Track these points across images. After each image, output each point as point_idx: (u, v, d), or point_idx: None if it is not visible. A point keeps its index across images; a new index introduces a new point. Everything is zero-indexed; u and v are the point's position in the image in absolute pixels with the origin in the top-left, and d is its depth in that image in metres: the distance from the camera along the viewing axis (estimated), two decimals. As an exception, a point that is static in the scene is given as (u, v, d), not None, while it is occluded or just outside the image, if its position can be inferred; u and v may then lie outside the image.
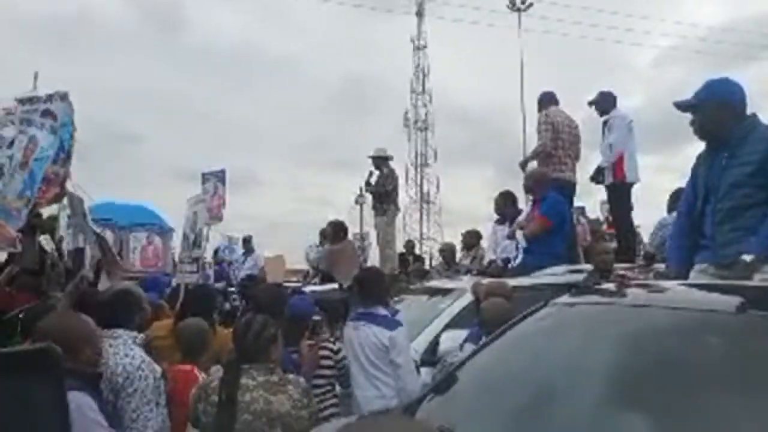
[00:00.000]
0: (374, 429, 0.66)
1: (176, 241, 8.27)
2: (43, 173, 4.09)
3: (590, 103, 5.77)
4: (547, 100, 5.87)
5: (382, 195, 7.26)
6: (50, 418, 0.55)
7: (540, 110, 5.85)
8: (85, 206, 5.13)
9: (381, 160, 7.33)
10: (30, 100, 4.29)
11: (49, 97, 4.25)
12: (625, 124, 5.59)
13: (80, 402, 1.92)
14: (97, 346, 2.21)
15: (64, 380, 0.59)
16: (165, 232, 8.00)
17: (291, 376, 2.51)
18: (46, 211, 4.85)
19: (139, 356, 2.47)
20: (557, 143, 5.59)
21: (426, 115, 35.52)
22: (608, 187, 5.69)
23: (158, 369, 2.57)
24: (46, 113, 4.18)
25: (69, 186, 4.38)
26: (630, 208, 5.73)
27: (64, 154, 4.25)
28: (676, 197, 4.29)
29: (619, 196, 5.63)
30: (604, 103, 5.69)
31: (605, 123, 5.66)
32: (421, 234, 32.81)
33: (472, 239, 6.66)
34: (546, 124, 5.60)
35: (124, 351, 2.46)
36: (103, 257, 4.31)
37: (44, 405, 0.55)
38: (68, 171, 4.34)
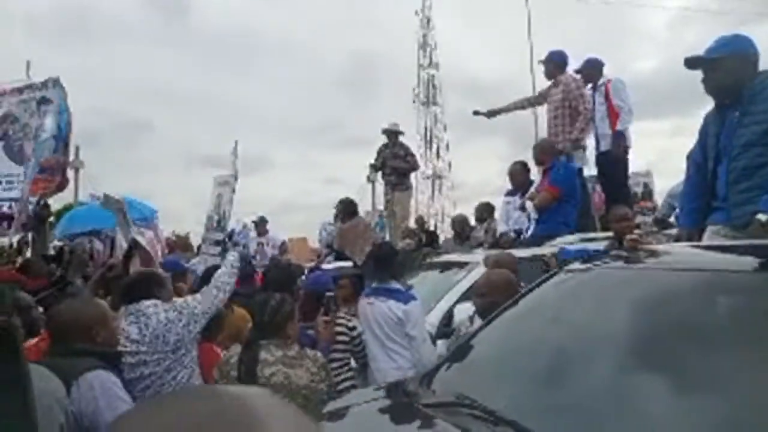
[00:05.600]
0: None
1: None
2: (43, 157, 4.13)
3: (578, 71, 5.63)
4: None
5: (403, 170, 7.30)
6: (10, 391, 0.52)
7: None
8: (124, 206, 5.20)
9: (394, 134, 7.34)
10: (27, 87, 4.30)
11: (44, 84, 4.26)
12: (625, 86, 5.47)
13: (104, 379, 1.98)
14: (111, 328, 2.27)
15: (23, 354, 0.57)
16: (151, 219, 7.87)
17: (308, 350, 2.56)
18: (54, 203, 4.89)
19: (170, 312, 2.60)
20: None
21: (434, 89, 35.15)
22: (605, 154, 5.48)
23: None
24: (43, 100, 4.20)
25: (81, 174, 4.43)
26: (627, 176, 5.63)
27: (62, 142, 4.26)
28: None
29: (618, 162, 5.50)
30: (592, 70, 5.55)
31: (595, 90, 5.51)
32: (437, 211, 32.74)
33: (484, 212, 6.65)
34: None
35: (165, 308, 2.60)
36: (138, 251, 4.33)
37: (3, 379, 0.52)
38: (68, 158, 4.38)
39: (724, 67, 2.59)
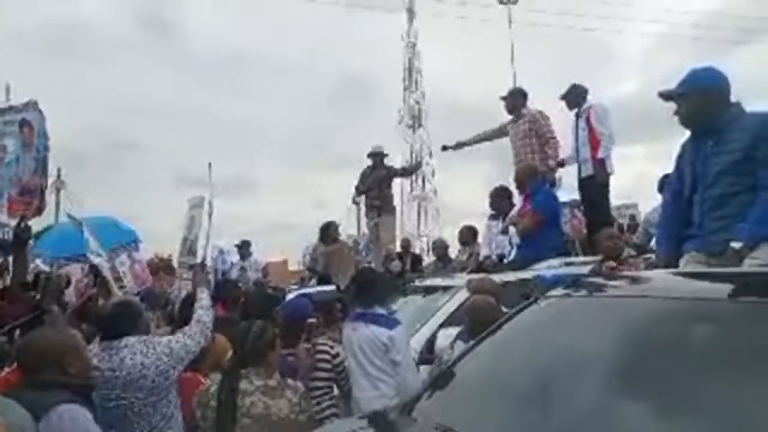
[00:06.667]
0: None
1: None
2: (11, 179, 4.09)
3: (562, 97, 5.77)
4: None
5: (389, 192, 7.33)
6: None
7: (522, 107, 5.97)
8: (84, 228, 5.12)
9: (379, 156, 7.37)
10: (6, 110, 4.27)
11: (24, 107, 4.24)
12: (608, 112, 5.59)
13: (75, 413, 1.93)
14: (83, 359, 2.22)
15: None
16: (139, 242, 7.70)
17: (289, 380, 2.53)
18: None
19: (147, 357, 2.52)
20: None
21: (420, 112, 35.50)
22: (587, 180, 5.55)
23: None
24: (24, 123, 4.18)
25: (63, 195, 4.39)
26: (609, 201, 5.71)
27: (41, 164, 4.24)
28: (665, 182, 4.26)
29: (602, 188, 5.57)
30: (576, 96, 5.68)
31: (578, 116, 5.63)
32: (423, 234, 32.78)
33: (468, 235, 6.66)
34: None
35: (140, 350, 2.51)
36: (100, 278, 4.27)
37: None
38: (46, 181, 4.36)
39: (696, 100, 2.66)
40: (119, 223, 7.33)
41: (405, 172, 8.19)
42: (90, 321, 3.25)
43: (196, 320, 2.83)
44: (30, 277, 4.56)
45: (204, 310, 2.91)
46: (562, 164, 5.74)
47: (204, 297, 3.02)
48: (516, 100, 5.98)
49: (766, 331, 1.41)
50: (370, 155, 7.42)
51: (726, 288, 1.82)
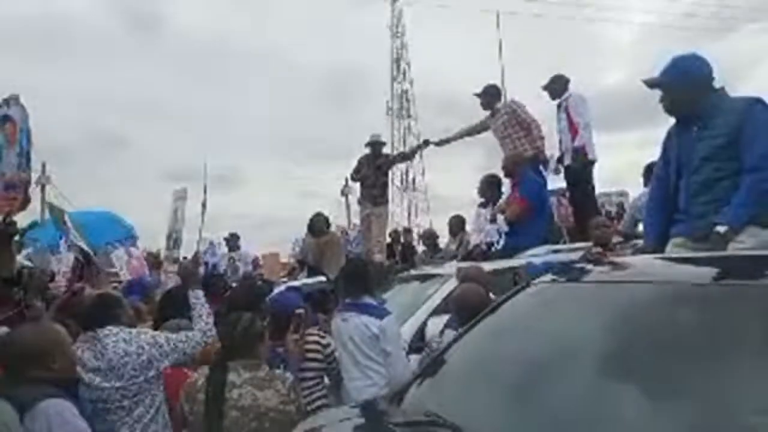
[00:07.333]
0: None
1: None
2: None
3: (544, 88, 5.83)
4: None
5: (385, 182, 7.30)
6: None
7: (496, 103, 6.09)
8: (66, 218, 5.07)
9: (378, 145, 7.28)
10: None
11: (6, 102, 4.19)
12: (585, 101, 5.66)
13: (60, 408, 1.92)
14: (68, 354, 2.20)
15: None
16: (136, 238, 7.46)
17: (277, 371, 2.53)
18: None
19: (131, 344, 2.51)
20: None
21: (408, 101, 35.48)
22: (570, 168, 5.63)
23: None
24: (6, 118, 4.13)
25: (48, 191, 4.35)
26: (593, 189, 5.77)
27: (24, 159, 4.21)
28: (649, 170, 4.30)
29: (584, 175, 5.63)
30: (556, 86, 5.75)
31: (559, 106, 5.70)
32: (409, 221, 32.85)
33: (457, 224, 6.69)
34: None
35: (123, 338, 2.50)
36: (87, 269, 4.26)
37: None
38: (29, 175, 4.33)
39: (679, 87, 2.66)
40: (117, 218, 7.35)
41: (405, 157, 8.17)
42: (75, 315, 3.21)
43: (199, 330, 2.80)
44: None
45: (205, 319, 2.85)
46: (561, 160, 5.77)
47: (200, 303, 2.93)
48: (490, 97, 6.10)
49: (752, 313, 1.43)
50: (368, 144, 7.24)
51: (712, 271, 1.84)
